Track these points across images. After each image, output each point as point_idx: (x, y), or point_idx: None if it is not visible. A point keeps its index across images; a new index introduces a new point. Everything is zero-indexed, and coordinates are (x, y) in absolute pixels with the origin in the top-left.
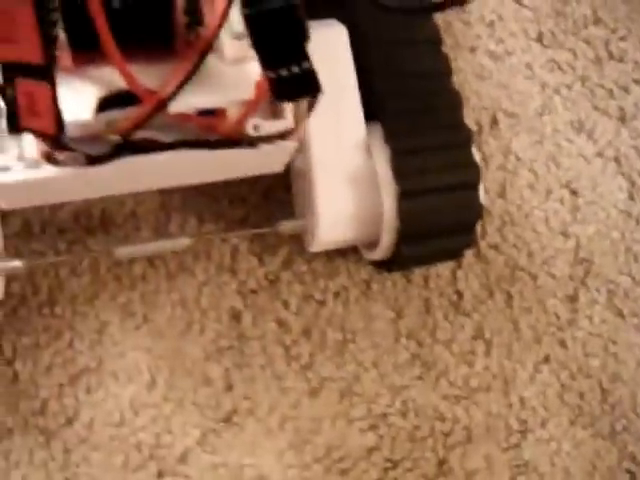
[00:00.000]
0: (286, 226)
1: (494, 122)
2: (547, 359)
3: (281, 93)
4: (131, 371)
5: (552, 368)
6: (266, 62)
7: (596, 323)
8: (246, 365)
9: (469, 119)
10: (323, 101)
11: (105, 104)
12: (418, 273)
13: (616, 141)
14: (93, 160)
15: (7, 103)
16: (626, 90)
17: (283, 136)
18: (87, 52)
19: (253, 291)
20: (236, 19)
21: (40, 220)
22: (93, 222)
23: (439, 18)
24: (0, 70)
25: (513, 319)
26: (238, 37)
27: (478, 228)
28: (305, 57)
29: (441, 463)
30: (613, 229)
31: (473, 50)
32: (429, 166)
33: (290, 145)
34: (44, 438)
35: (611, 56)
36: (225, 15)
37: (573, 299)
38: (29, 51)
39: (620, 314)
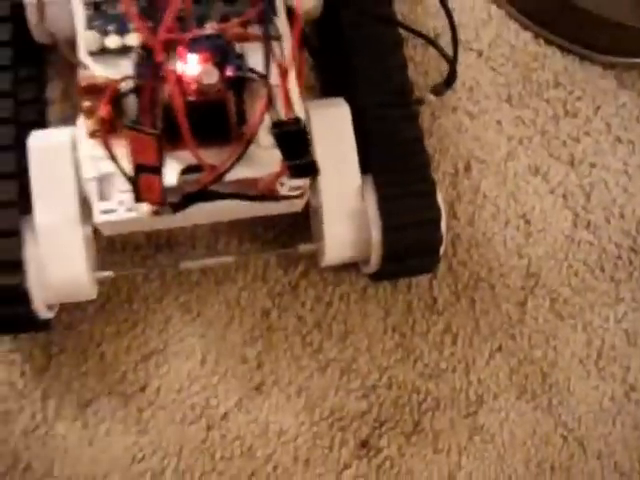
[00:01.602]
0: (304, 248)
1: (468, 167)
2: (500, 349)
3: (294, 174)
4: (188, 352)
5: (503, 356)
6: (285, 156)
7: (540, 323)
8: (273, 349)
9: (448, 165)
10: (330, 159)
11: (186, 171)
12: (403, 282)
13: (565, 181)
14: (176, 208)
15: (134, 185)
16: (577, 140)
17: (297, 197)
18: (175, 143)
19: (279, 294)
20: (268, 120)
21: (121, 239)
22: (161, 241)
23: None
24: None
25: (475, 318)
26: (270, 132)
27: (446, 250)
28: (307, 153)
29: (416, 424)
30: (558, 251)
31: (455, 110)
32: (405, 208)
33: (300, 202)
34: (123, 401)
35: (567, 113)
36: (261, 119)
37: (523, 304)
38: (152, 158)
39: (560, 316)
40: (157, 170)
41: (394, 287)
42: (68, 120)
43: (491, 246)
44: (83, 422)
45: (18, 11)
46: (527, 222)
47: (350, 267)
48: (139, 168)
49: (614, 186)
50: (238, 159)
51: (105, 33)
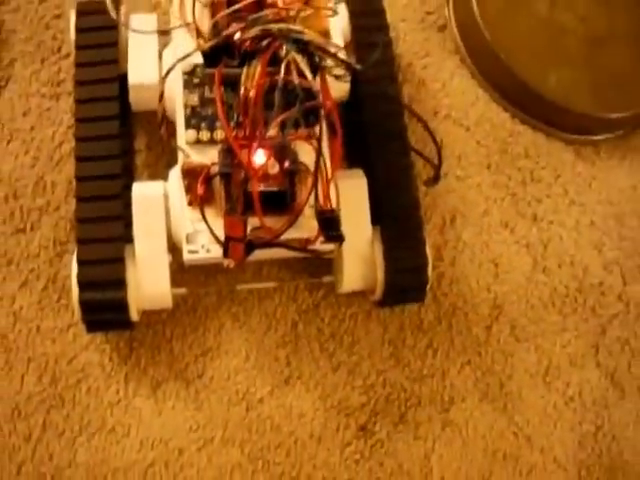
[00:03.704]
0: (327, 279)
1: (453, 220)
2: (469, 362)
3: (328, 240)
4: (235, 351)
5: (471, 368)
6: (322, 229)
7: (501, 344)
8: (298, 352)
9: (438, 217)
10: (350, 216)
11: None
12: (397, 307)
13: (528, 234)
14: (246, 255)
15: (224, 248)
16: (540, 201)
17: (327, 253)
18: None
19: (305, 311)
20: (310, 199)
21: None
22: (219, 266)
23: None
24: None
25: (451, 337)
26: (312, 207)
27: (432, 284)
28: (338, 230)
29: (402, 416)
30: (519, 288)
31: (446, 174)
32: (403, 256)
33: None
34: (185, 385)
35: (533, 179)
36: (307, 199)
37: (488, 328)
38: (239, 233)
39: (517, 340)
40: (242, 240)
41: (391, 311)
42: (151, 167)
43: (467, 283)
44: (155, 399)
45: (121, 85)
46: (496, 265)
47: (359, 294)
48: (229, 238)
49: (567, 239)
50: (290, 225)
51: (199, 129)
